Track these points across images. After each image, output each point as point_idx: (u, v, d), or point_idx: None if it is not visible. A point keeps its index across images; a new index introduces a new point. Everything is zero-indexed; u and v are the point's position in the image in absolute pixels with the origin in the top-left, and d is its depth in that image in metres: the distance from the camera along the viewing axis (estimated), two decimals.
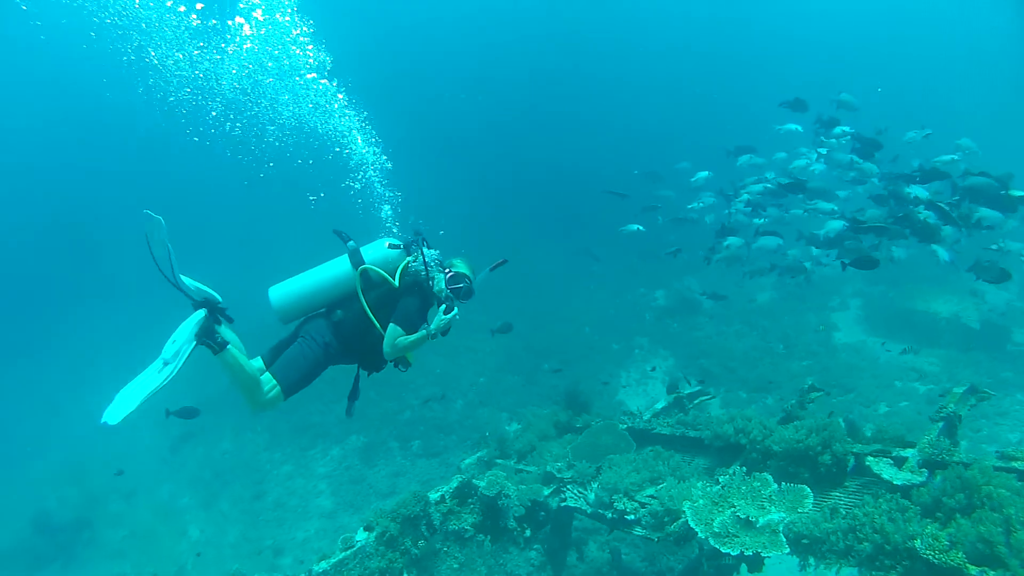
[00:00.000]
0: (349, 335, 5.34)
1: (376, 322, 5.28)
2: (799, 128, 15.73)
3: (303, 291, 5.37)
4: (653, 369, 18.60)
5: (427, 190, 36.91)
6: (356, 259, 5.37)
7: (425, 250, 5.62)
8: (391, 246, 5.51)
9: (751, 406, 16.06)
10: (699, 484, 7.01)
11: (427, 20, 53.15)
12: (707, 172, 17.24)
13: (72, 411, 26.57)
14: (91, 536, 17.97)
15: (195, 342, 4.51)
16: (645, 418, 10.01)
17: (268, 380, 4.94)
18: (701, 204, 16.75)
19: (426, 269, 5.51)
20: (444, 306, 5.41)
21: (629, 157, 41.00)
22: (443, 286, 5.61)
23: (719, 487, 6.89)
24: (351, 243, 5.51)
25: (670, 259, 16.69)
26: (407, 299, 5.38)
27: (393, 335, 5.20)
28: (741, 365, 18.02)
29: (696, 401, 10.81)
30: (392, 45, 51.56)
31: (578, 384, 12.28)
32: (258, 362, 5.20)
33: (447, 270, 5.73)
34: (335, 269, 5.40)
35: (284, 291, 5.36)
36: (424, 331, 5.34)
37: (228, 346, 4.61)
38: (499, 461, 10.63)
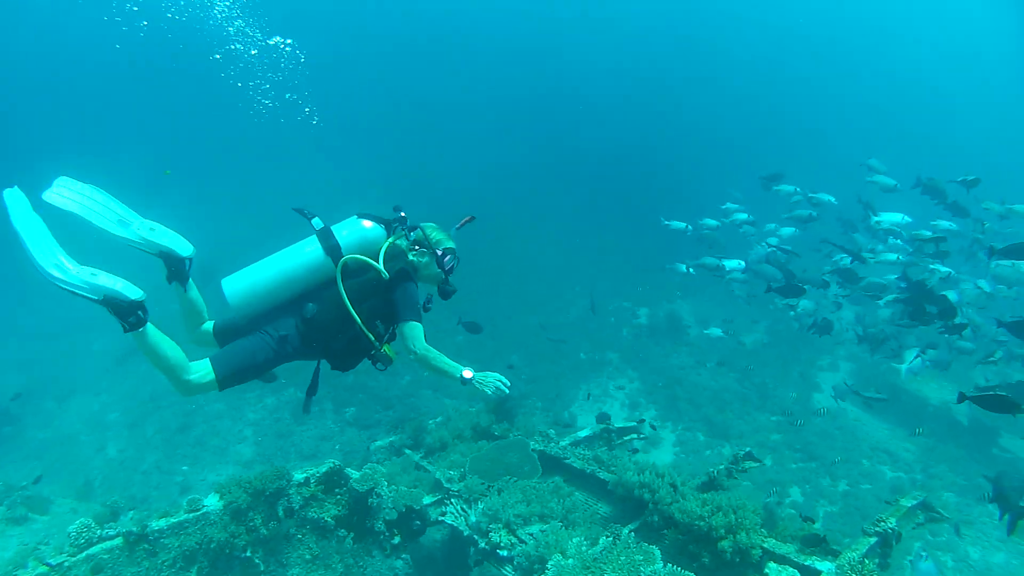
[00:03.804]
0: (322, 332, 4.47)
1: (356, 317, 4.38)
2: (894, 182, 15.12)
3: (266, 283, 4.45)
4: (588, 397, 17.40)
5: (446, 169, 36.85)
6: (328, 241, 4.51)
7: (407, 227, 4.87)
8: (367, 223, 4.64)
9: (706, 451, 15.09)
10: (576, 540, 5.92)
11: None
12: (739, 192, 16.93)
13: (39, 303, 26.02)
14: (14, 431, 17.28)
15: (98, 297, 3.79)
16: (562, 444, 8.92)
17: (203, 367, 4.20)
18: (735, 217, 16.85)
19: (432, 253, 4.83)
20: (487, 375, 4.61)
21: (662, 162, 40.90)
22: (436, 269, 4.82)
23: (598, 548, 5.81)
24: (316, 220, 4.58)
25: (667, 278, 15.93)
26: (406, 286, 4.52)
27: (416, 335, 4.47)
28: (709, 404, 16.88)
29: (626, 438, 9.71)
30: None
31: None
32: (208, 326, 4.64)
33: (436, 249, 4.84)
34: (304, 255, 4.52)
35: (242, 284, 4.44)
36: (459, 373, 4.52)
37: (142, 328, 3.91)
38: (408, 451, 9.92)
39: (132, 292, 3.78)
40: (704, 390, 17.61)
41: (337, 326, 4.43)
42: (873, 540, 6.04)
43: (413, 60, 52.40)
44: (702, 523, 5.91)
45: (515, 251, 27.24)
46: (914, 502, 6.83)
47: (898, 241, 14.39)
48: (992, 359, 13.22)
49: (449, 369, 4.48)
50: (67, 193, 3.90)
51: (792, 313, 14.88)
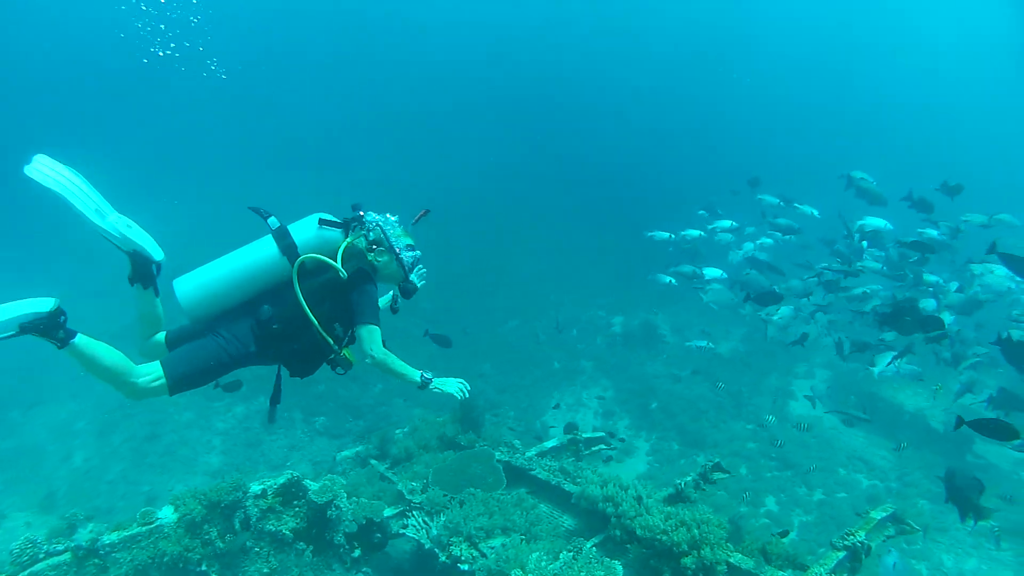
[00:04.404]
0: (279, 336, 4.24)
1: (314, 319, 4.17)
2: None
3: (219, 283, 4.21)
4: (557, 406, 17.12)
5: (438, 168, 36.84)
6: (284, 241, 4.29)
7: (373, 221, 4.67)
8: (325, 224, 4.42)
9: (680, 460, 14.92)
10: (535, 555, 5.73)
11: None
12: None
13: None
14: None
15: (15, 331, 3.48)
16: (528, 455, 8.73)
17: (153, 370, 3.95)
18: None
19: (391, 251, 4.60)
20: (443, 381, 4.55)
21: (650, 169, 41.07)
22: (396, 267, 4.65)
23: (559, 564, 5.63)
24: (272, 220, 4.35)
25: (644, 287, 16.19)
26: (365, 287, 4.33)
27: (373, 339, 4.27)
28: (683, 413, 16.71)
29: (594, 448, 9.53)
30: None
31: (476, 399, 11.02)
32: (161, 336, 4.34)
33: (395, 247, 4.62)
34: (259, 253, 4.31)
35: (195, 284, 4.20)
36: (418, 377, 4.44)
37: (74, 339, 3.64)
38: (373, 461, 9.70)
39: (43, 305, 3.51)
40: (678, 399, 17.45)
41: (294, 328, 4.22)
42: (842, 554, 5.88)
43: (406, 66, 52.59)
44: (665, 538, 5.74)
45: (492, 259, 27.18)
46: (884, 514, 6.69)
47: (883, 254, 14.33)
48: (967, 365, 13.26)
49: (407, 374, 4.35)
50: (48, 171, 3.67)
51: (773, 319, 14.70)
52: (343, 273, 4.19)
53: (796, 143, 51.14)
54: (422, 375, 4.37)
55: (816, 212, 15.37)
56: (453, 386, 4.47)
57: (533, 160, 42.88)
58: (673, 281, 15.44)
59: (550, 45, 54.28)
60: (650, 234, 16.53)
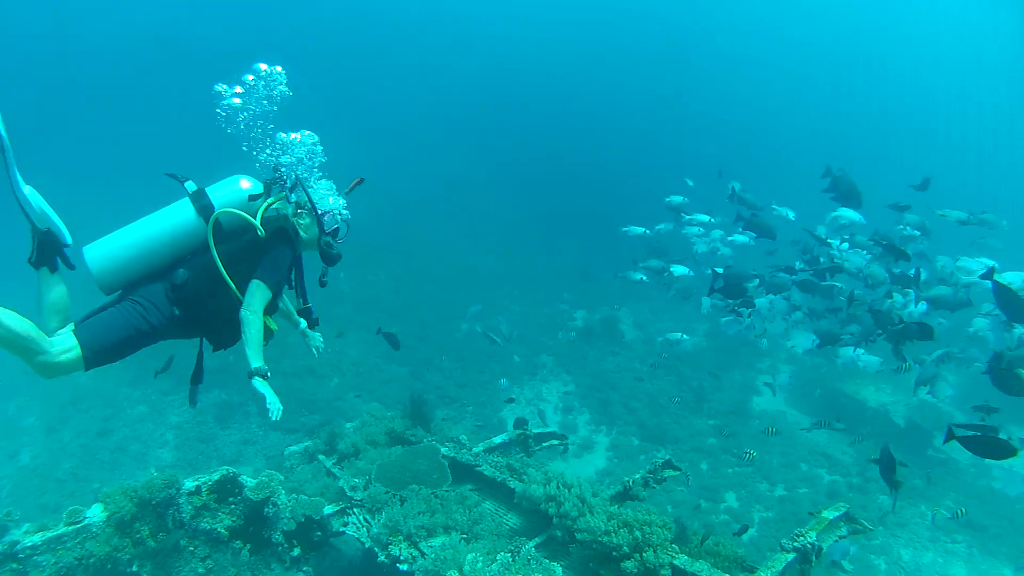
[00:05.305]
0: (194, 300, 4.01)
1: (231, 282, 3.96)
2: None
3: (133, 249, 3.93)
4: (511, 400, 16.75)
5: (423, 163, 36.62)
6: (201, 201, 4.08)
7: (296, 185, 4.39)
8: (245, 183, 4.22)
9: (640, 456, 14.75)
10: (471, 556, 5.48)
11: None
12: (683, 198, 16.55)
13: None
14: None
15: None
16: (475, 450, 8.48)
17: (66, 340, 3.62)
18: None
19: (312, 213, 4.35)
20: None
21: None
22: (317, 232, 4.36)
23: (497, 565, 5.39)
24: (190, 183, 4.17)
25: (612, 282, 16.45)
26: (277, 249, 4.12)
27: (261, 297, 3.98)
28: (644, 408, 16.60)
29: (545, 444, 9.29)
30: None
31: (424, 393, 10.77)
32: (69, 328, 3.86)
33: (317, 209, 4.33)
34: (174, 217, 4.07)
35: (106, 250, 3.90)
36: (254, 364, 3.92)
37: None
38: (321, 457, 9.42)
39: None
40: (639, 394, 17.31)
41: (210, 292, 4.00)
42: (791, 556, 5.67)
43: (374, 66, 52.24)
44: (606, 539, 5.48)
45: (456, 255, 26.97)
46: (837, 514, 6.51)
47: (864, 254, 14.15)
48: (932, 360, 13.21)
49: (251, 352, 3.91)
50: None
51: (742, 313, 14.47)
52: (261, 231, 3.95)
53: (776, 145, 51.23)
54: (260, 366, 3.93)
55: (792, 214, 15.08)
56: (271, 398, 4.01)
57: (500, 159, 42.85)
58: (644, 278, 15.23)
59: (511, 47, 54.27)
60: (624, 229, 16.28)
